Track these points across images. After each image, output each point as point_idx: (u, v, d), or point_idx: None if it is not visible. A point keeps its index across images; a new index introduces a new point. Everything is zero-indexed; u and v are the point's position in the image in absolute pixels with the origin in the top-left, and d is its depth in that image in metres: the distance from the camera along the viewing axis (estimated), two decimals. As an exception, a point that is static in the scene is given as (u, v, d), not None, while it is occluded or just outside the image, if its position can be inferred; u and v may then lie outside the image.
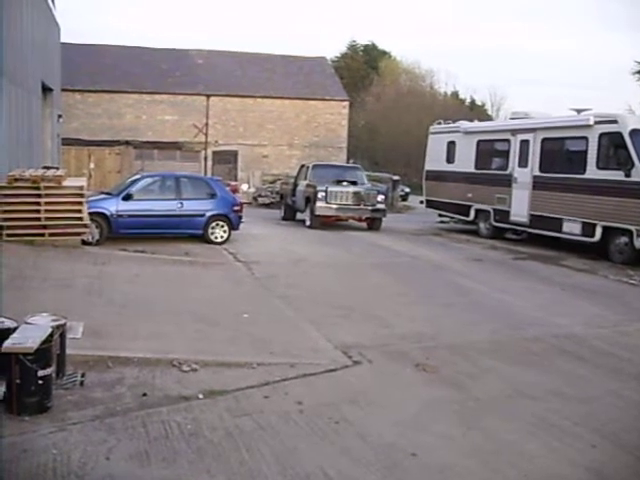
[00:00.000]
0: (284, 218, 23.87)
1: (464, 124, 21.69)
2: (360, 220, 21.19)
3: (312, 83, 40.09)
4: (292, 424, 5.37)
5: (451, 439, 5.24)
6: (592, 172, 15.66)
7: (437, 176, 22.40)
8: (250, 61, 40.31)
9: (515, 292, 11.55)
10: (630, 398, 6.40)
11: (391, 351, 7.55)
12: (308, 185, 21.24)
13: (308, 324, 8.65)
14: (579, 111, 17.14)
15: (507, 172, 18.60)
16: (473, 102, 60.46)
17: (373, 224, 21.02)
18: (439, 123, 23.17)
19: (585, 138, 15.95)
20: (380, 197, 20.92)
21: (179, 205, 15.56)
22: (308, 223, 20.95)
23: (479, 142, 20.27)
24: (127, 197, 15.14)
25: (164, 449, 4.79)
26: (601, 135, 15.54)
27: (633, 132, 14.81)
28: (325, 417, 5.51)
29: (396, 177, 32.52)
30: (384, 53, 63.88)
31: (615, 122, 15.29)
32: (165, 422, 5.25)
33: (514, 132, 18.57)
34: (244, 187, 32.04)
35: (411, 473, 4.65)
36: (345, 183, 20.98)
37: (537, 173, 17.53)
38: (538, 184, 17.44)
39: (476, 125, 22.06)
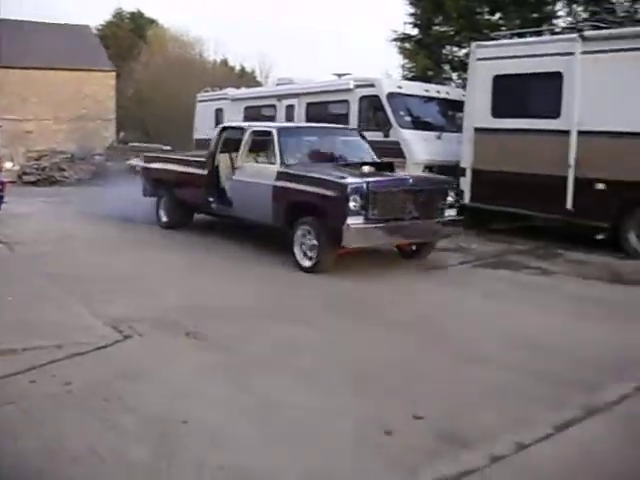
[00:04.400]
0: (168, 225, 14.14)
1: (231, 91, 21.68)
2: (410, 246, 11.12)
3: (76, 53, 37.84)
4: (59, 407, 5.20)
5: (221, 403, 5.32)
6: (354, 134, 16.38)
7: (205, 145, 22.21)
8: (7, 28, 37.17)
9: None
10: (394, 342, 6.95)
11: (162, 322, 7.49)
12: (296, 176, 10.61)
13: (76, 302, 8.33)
14: (340, 75, 17.75)
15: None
16: (243, 70, 60.48)
17: (425, 251, 11.14)
18: (206, 91, 23.01)
19: (347, 102, 16.56)
20: (450, 196, 10.64)
21: None
22: (308, 264, 10.00)
23: (246, 108, 20.27)
24: None
25: None
26: (361, 98, 16.22)
27: (390, 95, 15.60)
28: (94, 396, 5.38)
29: (167, 147, 31.95)
30: (152, 21, 62.01)
31: (373, 86, 16.01)
32: None
33: (280, 98, 18.88)
34: (8, 165, 29.99)
35: (181, 440, 4.67)
36: (367, 168, 10.69)
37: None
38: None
39: (243, 92, 22.05)
